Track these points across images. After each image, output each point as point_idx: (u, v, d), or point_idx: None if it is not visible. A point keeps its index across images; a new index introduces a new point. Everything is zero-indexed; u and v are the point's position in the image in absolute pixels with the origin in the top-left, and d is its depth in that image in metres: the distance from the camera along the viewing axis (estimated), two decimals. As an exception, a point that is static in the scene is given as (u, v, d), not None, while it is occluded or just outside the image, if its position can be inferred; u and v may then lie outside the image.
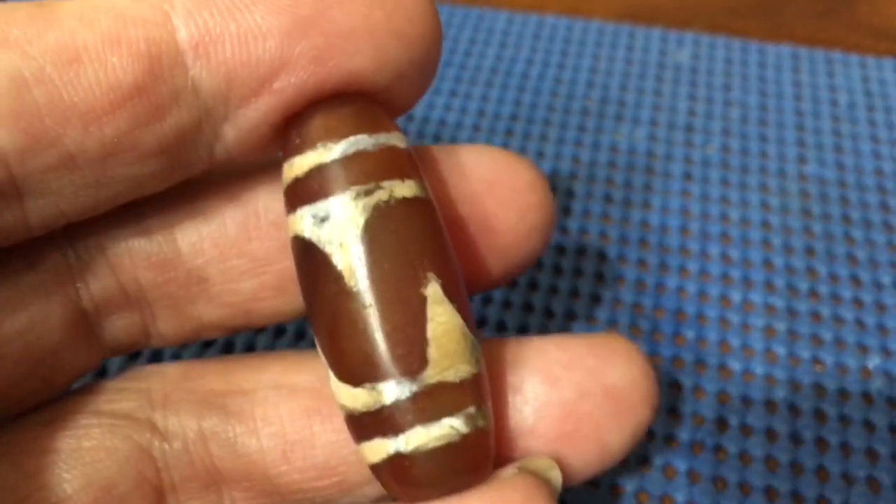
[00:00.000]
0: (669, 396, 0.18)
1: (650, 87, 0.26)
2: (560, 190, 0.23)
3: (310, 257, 0.12)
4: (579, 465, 0.14)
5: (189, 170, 0.12)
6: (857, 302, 0.20)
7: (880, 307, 0.20)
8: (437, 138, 0.24)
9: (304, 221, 0.12)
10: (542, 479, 0.13)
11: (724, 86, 0.26)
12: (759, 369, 0.19)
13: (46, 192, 0.11)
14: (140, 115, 0.11)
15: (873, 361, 0.19)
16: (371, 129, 0.12)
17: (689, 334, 0.19)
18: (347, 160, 0.12)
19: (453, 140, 0.24)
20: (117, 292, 0.13)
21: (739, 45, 0.28)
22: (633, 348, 0.14)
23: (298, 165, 0.12)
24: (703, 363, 0.19)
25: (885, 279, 0.20)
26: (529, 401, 0.13)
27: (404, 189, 0.12)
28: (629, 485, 0.17)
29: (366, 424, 0.12)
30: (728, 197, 0.23)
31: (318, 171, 0.12)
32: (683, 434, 0.18)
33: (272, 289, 0.14)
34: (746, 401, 0.18)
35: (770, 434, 0.18)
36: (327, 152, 0.12)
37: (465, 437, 0.12)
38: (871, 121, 0.25)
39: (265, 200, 0.14)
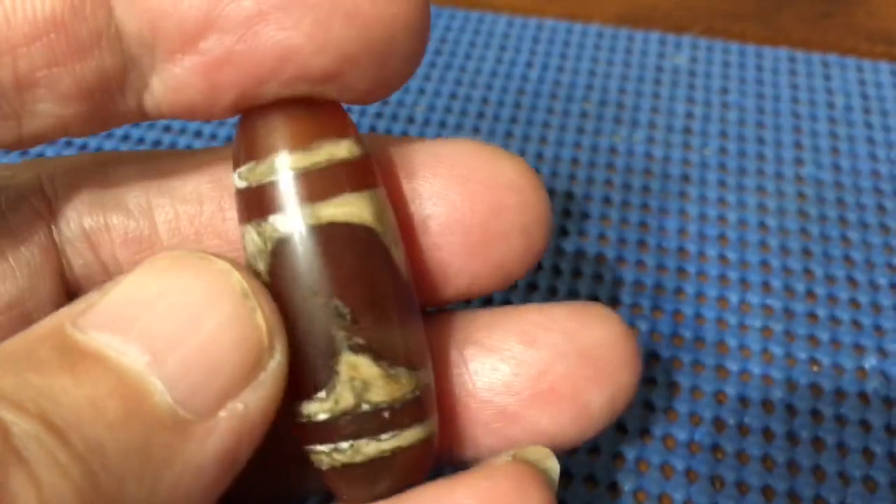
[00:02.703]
0: (667, 396, 0.18)
1: (648, 91, 0.26)
2: (559, 192, 0.23)
3: (279, 266, 0.12)
4: (558, 426, 0.14)
5: (119, 118, 0.12)
6: (854, 303, 0.20)
7: (877, 308, 0.20)
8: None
9: (269, 230, 0.12)
10: (536, 469, 0.12)
11: (721, 89, 0.26)
12: (756, 369, 0.19)
13: None
14: (58, 52, 0.10)
15: (870, 362, 0.19)
16: (341, 134, 0.12)
17: (687, 335, 0.20)
18: (317, 168, 0.11)
19: (453, 142, 0.24)
20: (99, 269, 0.14)
21: (737, 48, 0.28)
22: (611, 313, 0.14)
23: (262, 170, 0.12)
24: (701, 363, 0.19)
25: (882, 280, 0.21)
26: (506, 359, 0.14)
27: (369, 201, 0.12)
28: (627, 484, 0.17)
29: (311, 436, 0.12)
30: (725, 199, 0.23)
31: (284, 177, 0.11)
32: (681, 433, 0.18)
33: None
34: (744, 401, 0.18)
35: (767, 434, 0.18)
36: (297, 159, 0.11)
37: (415, 445, 0.12)
38: (867, 123, 0.25)
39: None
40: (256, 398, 0.11)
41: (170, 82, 0.11)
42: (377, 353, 0.12)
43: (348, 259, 0.11)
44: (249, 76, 0.11)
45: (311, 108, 0.12)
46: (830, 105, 0.26)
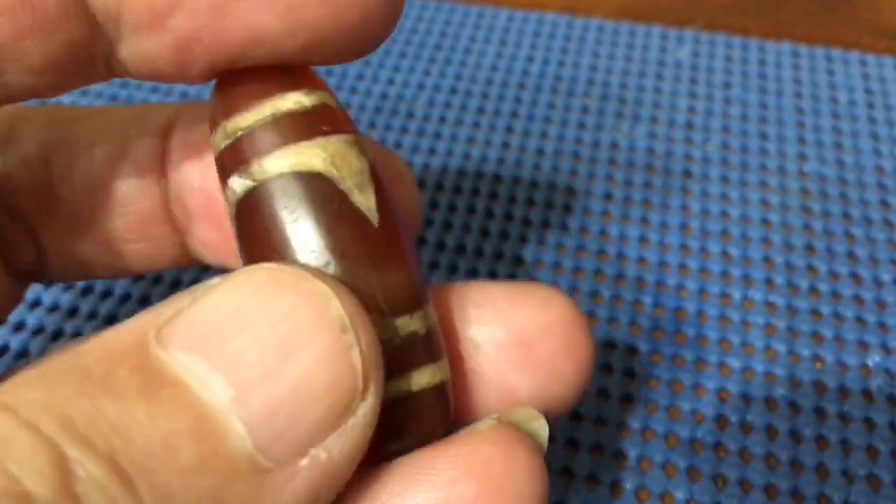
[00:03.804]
0: (669, 394, 0.18)
1: (650, 85, 0.26)
2: (560, 187, 0.23)
3: (325, 193, 0.11)
4: (482, 409, 0.13)
5: (87, 80, 0.12)
6: (857, 299, 0.20)
7: (880, 304, 0.20)
8: (437, 135, 0.24)
9: (320, 154, 0.11)
10: (522, 432, 0.12)
11: (723, 83, 0.26)
12: (758, 367, 0.19)
13: None
14: (24, 27, 0.10)
15: (873, 359, 0.19)
16: (315, 86, 0.12)
17: (690, 332, 0.19)
18: (307, 111, 0.12)
19: (454, 138, 0.24)
20: (9, 219, 0.14)
21: (739, 42, 0.28)
22: (557, 295, 0.13)
23: (246, 118, 0.12)
24: (703, 361, 0.19)
25: (885, 276, 0.20)
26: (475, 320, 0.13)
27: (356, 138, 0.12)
28: (629, 482, 0.17)
29: (405, 353, 0.12)
30: (728, 194, 0.23)
31: (274, 120, 0.11)
32: (683, 431, 0.18)
33: (136, 230, 0.14)
34: (746, 398, 0.18)
35: (770, 431, 0.18)
36: (282, 104, 0.12)
37: (436, 386, 0.12)
38: (870, 118, 0.25)
39: (133, 140, 0.14)
40: (342, 445, 0.10)
41: (137, 53, 0.11)
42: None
43: (302, 210, 0.11)
44: (219, 54, 0.11)
45: (263, 70, 0.12)
46: (834, 100, 0.25)
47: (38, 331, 0.20)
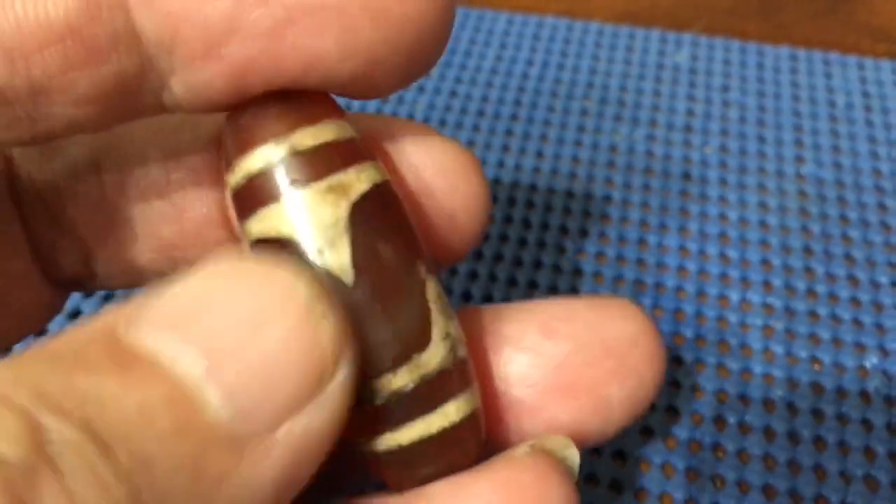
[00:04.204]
0: (668, 395, 0.18)
1: (649, 88, 0.26)
2: (559, 190, 0.23)
3: (378, 214, 0.11)
4: (577, 421, 0.13)
5: (136, 114, 0.12)
6: (855, 301, 0.20)
7: (877, 306, 0.20)
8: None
9: (273, 219, 0.11)
10: (556, 459, 0.12)
11: (722, 87, 0.26)
12: (757, 368, 0.19)
13: None
14: (73, 58, 0.10)
15: (871, 360, 0.19)
16: (331, 116, 0.12)
17: (688, 333, 0.20)
18: (316, 150, 0.11)
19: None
20: (55, 229, 0.14)
21: (738, 46, 0.28)
22: (635, 307, 0.14)
23: (256, 158, 0.11)
24: (702, 362, 0.19)
25: (883, 279, 0.21)
26: (524, 349, 0.13)
27: (375, 174, 0.12)
28: (628, 483, 0.17)
29: (444, 384, 0.12)
30: (726, 197, 0.23)
31: (282, 163, 0.11)
32: (682, 432, 0.18)
33: (192, 237, 0.14)
34: (745, 399, 0.18)
35: (768, 432, 0.18)
36: (292, 143, 0.11)
37: (466, 418, 0.12)
38: (868, 122, 0.25)
39: (186, 146, 0.14)
40: (318, 417, 0.10)
41: (190, 84, 0.11)
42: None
43: (401, 212, 0.11)
44: (274, 80, 0.11)
45: (290, 96, 0.11)
46: (832, 103, 0.26)
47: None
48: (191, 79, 0.11)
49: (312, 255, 0.11)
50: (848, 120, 0.25)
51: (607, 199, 0.23)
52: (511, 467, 0.12)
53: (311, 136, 0.11)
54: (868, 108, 0.25)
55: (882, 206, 0.22)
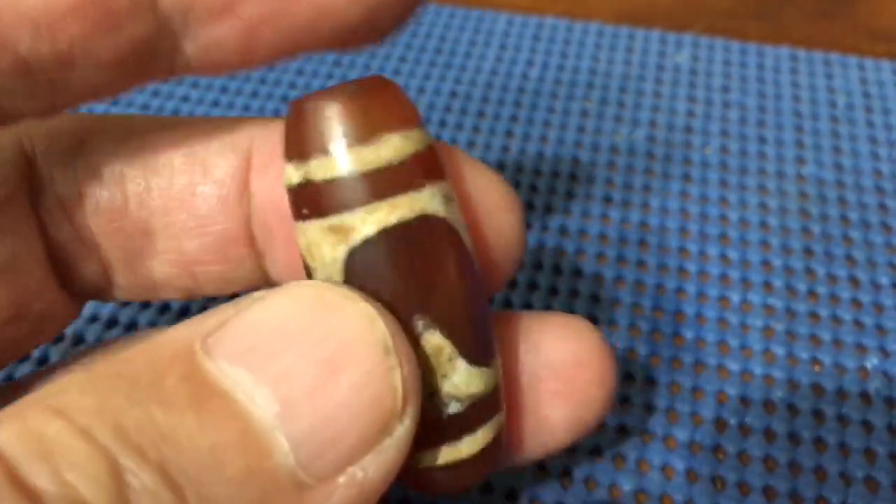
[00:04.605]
0: (668, 396, 0.18)
1: (649, 89, 0.26)
2: (559, 191, 0.23)
3: (439, 237, 0.11)
4: (515, 438, 0.13)
5: (147, 78, 0.12)
6: (856, 302, 0.20)
7: (878, 308, 0.20)
8: (436, 139, 0.24)
9: (436, 199, 0.11)
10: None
11: (722, 87, 0.26)
12: (757, 369, 0.19)
13: (2, 92, 0.10)
14: (95, 24, 0.10)
15: (871, 362, 0.19)
16: (407, 124, 0.11)
17: (688, 335, 0.20)
18: (389, 164, 0.11)
19: (453, 141, 0.24)
20: (74, 237, 0.14)
21: (738, 46, 0.28)
22: (586, 326, 0.14)
23: (324, 166, 0.11)
24: (702, 363, 0.19)
25: (883, 280, 0.21)
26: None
27: (447, 190, 0.12)
28: (627, 484, 0.17)
29: (490, 404, 0.12)
30: (727, 198, 0.23)
31: (353, 174, 0.11)
32: (682, 434, 0.18)
33: (213, 252, 0.14)
34: (745, 401, 0.18)
35: (768, 434, 0.18)
36: (364, 154, 0.11)
37: (502, 429, 0.12)
38: (868, 122, 0.25)
39: (213, 157, 0.14)
40: (378, 465, 0.10)
41: (203, 44, 0.11)
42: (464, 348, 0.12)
43: (391, 261, 0.11)
44: (286, 34, 0.11)
45: (369, 93, 0.11)
46: (832, 104, 0.26)
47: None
48: (203, 38, 0.11)
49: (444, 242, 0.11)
50: (849, 121, 0.25)
51: (608, 200, 0.23)
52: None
53: (422, 135, 0.11)
54: (869, 109, 0.25)
55: (883, 207, 0.22)
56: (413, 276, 0.11)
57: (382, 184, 0.11)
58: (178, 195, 0.14)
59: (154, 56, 0.11)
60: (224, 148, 0.14)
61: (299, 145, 0.11)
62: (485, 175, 0.13)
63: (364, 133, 0.11)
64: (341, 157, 0.11)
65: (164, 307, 0.20)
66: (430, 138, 0.12)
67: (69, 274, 0.14)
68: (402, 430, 0.10)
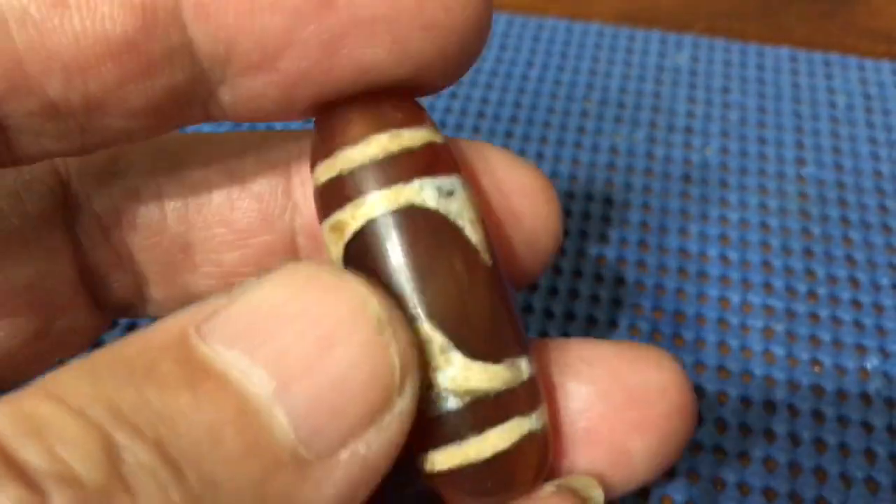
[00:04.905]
0: (668, 397, 0.18)
1: (649, 90, 0.26)
2: (560, 192, 0.23)
3: (431, 229, 0.11)
4: (595, 470, 0.13)
5: (181, 124, 0.12)
6: (856, 303, 0.20)
7: (878, 308, 0.20)
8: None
9: (425, 192, 0.11)
10: (581, 499, 0.12)
11: (722, 88, 0.26)
12: (757, 370, 0.19)
13: (29, 132, 0.10)
14: (129, 72, 0.10)
15: (871, 362, 0.19)
16: (422, 122, 0.12)
17: (688, 335, 0.20)
18: (413, 150, 0.11)
19: (453, 142, 0.24)
20: (110, 253, 0.14)
21: (738, 47, 0.28)
22: (665, 356, 0.13)
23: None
24: (702, 364, 0.19)
25: (884, 280, 0.21)
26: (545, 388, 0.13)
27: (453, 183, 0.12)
28: (628, 485, 0.17)
29: (502, 404, 0.11)
30: (727, 199, 0.23)
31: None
32: (682, 435, 0.18)
33: (253, 263, 0.14)
34: (745, 401, 0.18)
35: (769, 435, 0.18)
36: (390, 142, 0.11)
37: (540, 435, 0.12)
38: (869, 123, 0.25)
39: (251, 172, 0.14)
40: (380, 440, 0.10)
41: (242, 95, 0.11)
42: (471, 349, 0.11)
43: (408, 249, 0.11)
44: (326, 89, 0.11)
45: (365, 101, 0.12)
46: (832, 104, 0.26)
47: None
48: (242, 90, 0.11)
49: (456, 230, 0.11)
50: (848, 121, 0.25)
51: (607, 200, 0.23)
52: None
53: (433, 131, 0.12)
54: (869, 110, 0.25)
55: (883, 208, 0.22)
56: (398, 267, 0.11)
57: (367, 181, 0.11)
58: (217, 210, 0.14)
59: (188, 104, 0.11)
60: (260, 161, 0.14)
61: (312, 154, 0.12)
62: (518, 166, 0.14)
63: (353, 136, 0.11)
64: (335, 159, 0.11)
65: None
66: (430, 136, 0.12)
67: (102, 291, 0.14)
68: (403, 405, 0.10)
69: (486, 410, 0.11)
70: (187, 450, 0.09)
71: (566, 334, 0.20)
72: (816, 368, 0.19)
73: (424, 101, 0.13)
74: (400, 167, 0.11)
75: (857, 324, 0.20)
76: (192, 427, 0.09)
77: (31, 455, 0.08)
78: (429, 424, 0.11)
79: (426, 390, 0.11)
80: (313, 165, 0.12)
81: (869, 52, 0.28)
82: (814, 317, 0.20)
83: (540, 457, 0.12)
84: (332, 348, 0.10)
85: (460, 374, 0.11)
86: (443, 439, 0.11)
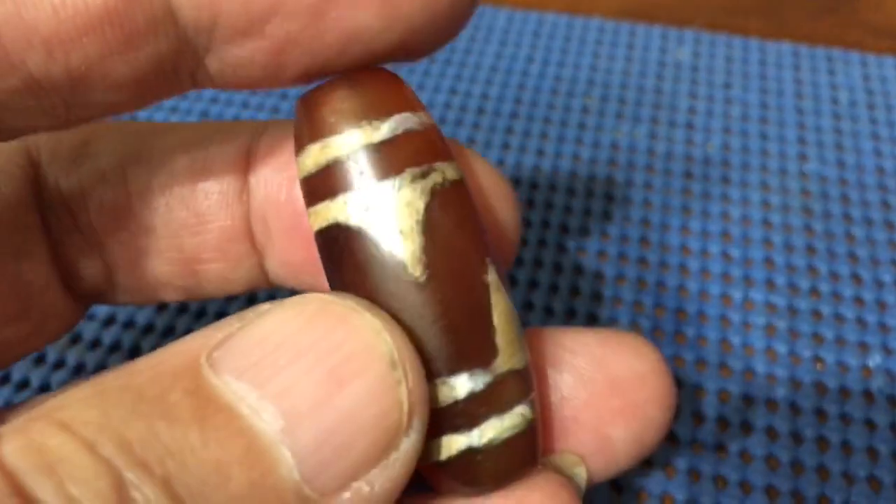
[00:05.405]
0: (670, 395, 0.18)
1: (651, 85, 0.26)
2: (561, 188, 0.23)
3: (357, 247, 0.11)
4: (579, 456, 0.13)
5: (168, 94, 0.12)
6: (858, 300, 0.20)
7: (881, 305, 0.20)
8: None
9: (349, 207, 0.11)
10: (565, 477, 0.12)
11: (724, 84, 0.26)
12: (759, 368, 0.19)
13: (13, 109, 0.10)
14: (111, 44, 0.10)
15: (874, 360, 0.19)
16: (412, 107, 0.11)
17: (690, 332, 0.19)
18: (397, 140, 0.11)
19: (453, 138, 0.24)
20: (79, 238, 0.14)
21: (740, 42, 0.27)
22: (646, 344, 0.14)
23: (336, 146, 0.11)
24: (704, 361, 0.19)
25: (886, 277, 0.20)
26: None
27: (452, 171, 0.11)
28: (629, 483, 0.17)
29: (496, 394, 0.11)
30: (728, 195, 0.23)
31: (364, 151, 0.11)
32: (684, 432, 0.18)
33: (214, 249, 0.14)
34: (747, 399, 0.18)
35: (771, 432, 0.18)
36: (374, 132, 0.11)
37: (531, 424, 0.12)
38: (871, 119, 0.25)
39: (213, 156, 0.14)
40: (384, 479, 0.10)
41: (229, 62, 0.11)
42: (515, 312, 0.12)
43: (476, 215, 0.11)
44: (315, 56, 0.11)
45: (369, 81, 0.11)
46: (834, 100, 0.25)
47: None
48: (229, 57, 0.11)
49: (385, 247, 0.11)
50: (851, 117, 0.25)
51: (609, 197, 0.23)
52: (522, 486, 0.12)
53: (425, 117, 0.11)
54: (871, 106, 0.25)
55: (886, 204, 0.22)
56: (475, 229, 0.11)
57: (354, 172, 0.11)
58: (179, 192, 0.14)
59: (175, 73, 0.11)
60: (224, 146, 0.14)
61: (297, 139, 0.12)
62: (488, 171, 0.14)
63: (316, 133, 0.11)
64: (305, 154, 0.11)
65: (162, 305, 0.20)
66: (412, 123, 0.11)
67: (73, 274, 0.14)
68: (409, 444, 0.10)
69: (480, 401, 0.11)
70: (194, 487, 0.09)
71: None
72: (819, 366, 0.19)
73: (423, 97, 0.13)
74: (388, 159, 0.11)
75: (860, 321, 0.20)
76: (201, 464, 0.09)
77: (45, 494, 0.08)
78: (436, 412, 0.11)
79: (437, 379, 0.11)
80: (299, 151, 0.12)
81: (872, 47, 0.28)
82: (816, 314, 0.20)
83: (531, 446, 0.12)
84: (342, 385, 0.09)
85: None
86: (437, 430, 0.11)
